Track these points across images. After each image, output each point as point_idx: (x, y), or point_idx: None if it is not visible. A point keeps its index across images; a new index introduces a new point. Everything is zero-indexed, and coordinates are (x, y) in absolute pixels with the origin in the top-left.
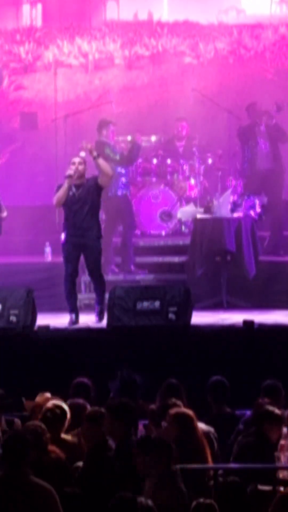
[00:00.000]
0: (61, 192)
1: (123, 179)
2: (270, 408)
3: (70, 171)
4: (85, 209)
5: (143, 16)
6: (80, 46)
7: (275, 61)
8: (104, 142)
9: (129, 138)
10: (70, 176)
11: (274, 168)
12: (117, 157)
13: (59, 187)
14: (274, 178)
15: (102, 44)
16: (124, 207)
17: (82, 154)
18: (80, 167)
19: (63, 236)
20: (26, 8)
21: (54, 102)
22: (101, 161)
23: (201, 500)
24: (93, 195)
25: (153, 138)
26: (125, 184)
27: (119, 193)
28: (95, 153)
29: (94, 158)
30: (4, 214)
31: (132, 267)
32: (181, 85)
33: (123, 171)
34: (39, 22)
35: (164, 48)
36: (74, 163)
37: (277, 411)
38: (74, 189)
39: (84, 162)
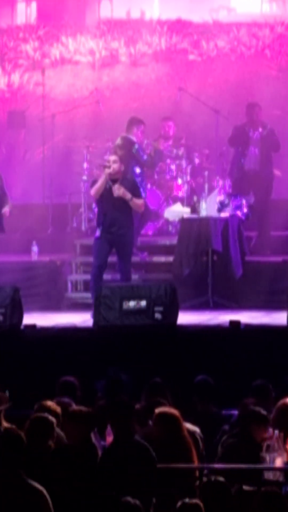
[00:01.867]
0: (100, 183)
1: (139, 179)
2: (256, 408)
3: (107, 163)
4: (120, 206)
5: (135, 15)
6: (84, 44)
7: (277, 59)
8: (133, 141)
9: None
10: (106, 167)
11: (263, 170)
12: (142, 159)
13: (94, 182)
14: (262, 179)
15: (105, 41)
16: None
17: (113, 157)
18: (115, 165)
19: (98, 231)
20: (21, 6)
21: (42, 99)
22: (134, 203)
23: (187, 500)
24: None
25: (180, 153)
26: (141, 185)
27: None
28: (129, 196)
29: (129, 201)
30: (6, 209)
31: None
32: (189, 81)
33: (138, 170)
34: (33, 20)
35: (166, 46)
36: (109, 161)
37: (262, 411)
38: (110, 184)
39: (118, 160)
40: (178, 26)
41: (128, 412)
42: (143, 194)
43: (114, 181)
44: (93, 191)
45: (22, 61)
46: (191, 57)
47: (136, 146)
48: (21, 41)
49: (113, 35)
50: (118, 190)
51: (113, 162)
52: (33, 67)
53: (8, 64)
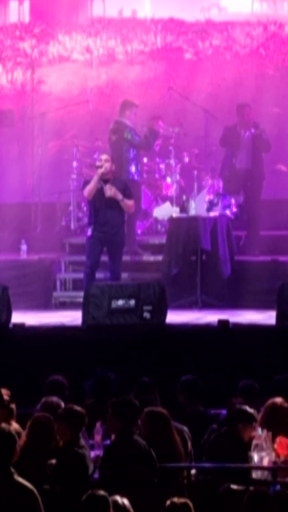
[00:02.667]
0: (92, 184)
1: (134, 163)
2: (243, 407)
3: (99, 163)
4: (112, 205)
5: (127, 14)
6: (81, 42)
7: (273, 58)
8: (125, 124)
9: (103, 157)
10: (99, 167)
11: (254, 170)
12: (136, 141)
13: (86, 182)
14: (252, 178)
15: (101, 40)
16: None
17: (104, 156)
18: (107, 164)
19: (89, 230)
20: (13, 4)
21: (31, 98)
22: (125, 204)
23: (176, 499)
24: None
25: (176, 130)
26: (136, 169)
27: (134, 177)
28: (120, 197)
29: (120, 201)
30: None
31: (136, 248)
32: (187, 80)
33: (131, 154)
34: (26, 19)
35: (162, 45)
36: (101, 160)
37: (250, 410)
38: (102, 183)
39: (110, 159)
40: (172, 25)
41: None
42: (138, 178)
43: (105, 181)
44: (86, 192)
45: (21, 59)
46: (187, 55)
47: (127, 130)
48: (17, 39)
49: (108, 33)
50: (110, 191)
51: (105, 161)
52: (32, 65)
53: (8, 61)
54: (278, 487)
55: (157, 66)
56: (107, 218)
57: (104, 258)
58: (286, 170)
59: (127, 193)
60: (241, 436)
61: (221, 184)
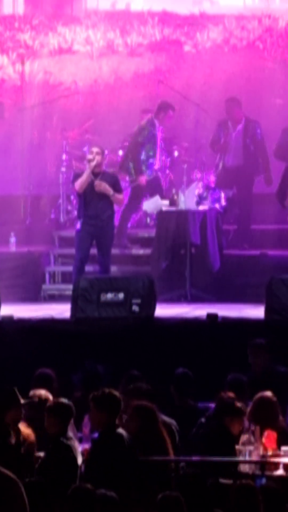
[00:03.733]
0: (84, 177)
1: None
2: (231, 401)
3: (90, 156)
4: (101, 198)
5: (120, 6)
6: (80, 34)
7: (271, 51)
8: (149, 134)
9: (95, 149)
10: (90, 160)
11: (245, 165)
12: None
13: (76, 175)
14: (243, 173)
15: (100, 32)
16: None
17: (95, 148)
18: (98, 157)
19: (78, 224)
20: None
21: (21, 90)
22: (115, 198)
23: (167, 492)
24: (109, 186)
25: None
26: (147, 168)
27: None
28: (110, 192)
29: (110, 196)
30: None
31: (126, 242)
32: (187, 72)
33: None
34: (20, 10)
35: (160, 37)
36: (92, 152)
37: (238, 404)
38: (92, 177)
39: (101, 152)
40: (169, 18)
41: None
42: (149, 172)
43: (95, 174)
44: (77, 185)
45: (22, 50)
46: (186, 48)
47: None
48: (17, 30)
49: (106, 25)
50: (100, 186)
51: (96, 154)
52: (22, 58)
53: (11, 53)
54: (263, 480)
55: (157, 58)
56: (97, 212)
57: (93, 251)
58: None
59: (117, 187)
60: (230, 430)
61: (211, 178)
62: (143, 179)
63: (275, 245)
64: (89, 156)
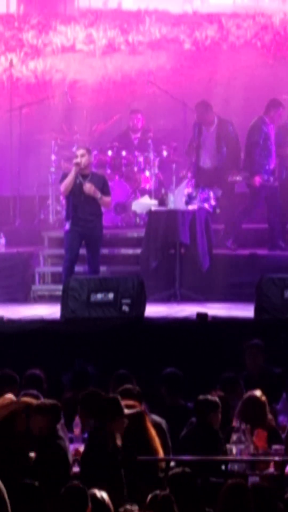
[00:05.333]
0: (69, 179)
1: None
2: (207, 397)
3: (77, 159)
4: (90, 199)
5: (112, 5)
6: (79, 33)
7: (270, 49)
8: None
9: (80, 151)
10: (77, 164)
11: (217, 166)
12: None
13: (64, 176)
14: (218, 174)
15: (102, 30)
16: None
17: (80, 151)
18: (83, 159)
19: (67, 225)
20: None
21: (10, 91)
22: (103, 201)
23: (158, 492)
24: (98, 189)
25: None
26: None
27: None
28: (98, 195)
29: (99, 199)
30: None
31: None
32: (191, 69)
33: None
34: (13, 9)
35: (160, 35)
36: (77, 156)
37: (212, 398)
38: (80, 178)
39: (87, 153)
40: (165, 16)
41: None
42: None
43: (84, 176)
44: (62, 187)
45: (27, 49)
46: (186, 46)
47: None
48: (17, 30)
49: (104, 24)
50: (89, 189)
51: (81, 156)
52: (11, 60)
53: (19, 52)
54: (253, 478)
55: (159, 56)
56: (85, 213)
57: (83, 251)
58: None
59: (105, 190)
60: (213, 426)
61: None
62: (258, 179)
63: (263, 244)
64: (76, 160)
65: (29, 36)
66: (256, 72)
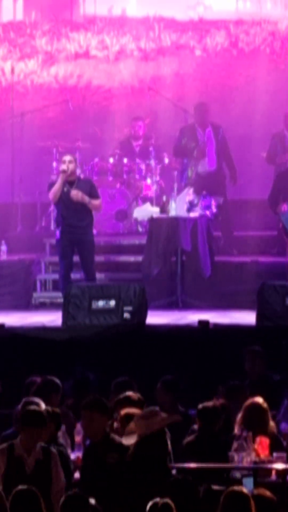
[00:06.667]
0: (57, 187)
1: None
2: (204, 405)
3: (64, 166)
4: (79, 206)
5: (116, 12)
6: (94, 39)
7: (280, 55)
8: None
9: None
10: (64, 171)
11: (215, 170)
12: None
13: (51, 184)
14: (216, 178)
15: (114, 37)
16: None
17: (68, 157)
18: (71, 166)
19: (57, 232)
20: (7, 2)
21: (12, 97)
22: (92, 205)
23: (157, 499)
24: (85, 194)
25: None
26: None
27: None
28: (86, 199)
29: (87, 204)
30: None
31: None
32: (206, 74)
33: None
34: (19, 16)
35: (170, 42)
36: (64, 162)
37: (209, 404)
38: (67, 186)
39: (74, 160)
40: (173, 23)
41: None
42: None
43: (70, 183)
44: (51, 195)
45: (41, 55)
46: (198, 52)
47: None
48: (28, 36)
49: (114, 31)
50: (76, 196)
51: (68, 163)
52: (12, 65)
53: (38, 57)
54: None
55: (172, 62)
56: (75, 220)
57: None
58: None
59: (93, 193)
60: (215, 433)
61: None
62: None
63: (265, 252)
64: (63, 167)
65: (42, 42)
66: (269, 78)
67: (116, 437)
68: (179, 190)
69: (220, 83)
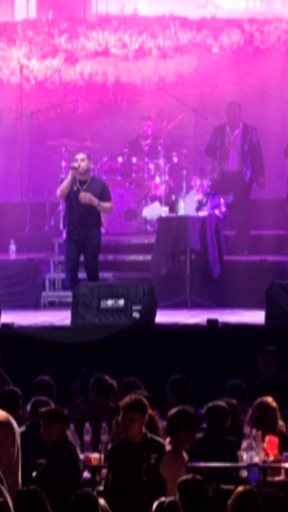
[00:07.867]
0: (65, 183)
1: None
2: (216, 404)
3: (75, 163)
4: (87, 207)
5: (128, 10)
6: (112, 37)
7: None
8: None
9: (80, 156)
10: (74, 168)
11: (241, 170)
12: None
13: (62, 180)
14: (241, 178)
15: (133, 35)
16: None
17: (80, 155)
18: (83, 164)
19: (64, 233)
20: (19, 1)
21: (20, 96)
22: (102, 207)
23: (164, 498)
24: (95, 196)
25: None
26: None
27: None
28: (96, 202)
29: (97, 206)
30: None
31: None
32: (225, 72)
33: None
34: (32, 15)
35: (187, 40)
36: (77, 160)
37: (221, 403)
38: (78, 185)
39: (86, 158)
40: (186, 22)
41: None
42: None
43: (82, 182)
44: (58, 191)
45: (61, 53)
46: (215, 50)
47: None
48: (46, 35)
49: (130, 29)
50: (85, 198)
51: (81, 160)
52: (21, 64)
53: (58, 56)
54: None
55: (190, 60)
56: (82, 219)
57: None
58: None
59: (104, 195)
60: (224, 432)
61: (206, 183)
62: None
63: (274, 251)
64: (74, 163)
65: (62, 41)
66: (286, 75)
67: (155, 437)
68: (204, 188)
69: (238, 80)
